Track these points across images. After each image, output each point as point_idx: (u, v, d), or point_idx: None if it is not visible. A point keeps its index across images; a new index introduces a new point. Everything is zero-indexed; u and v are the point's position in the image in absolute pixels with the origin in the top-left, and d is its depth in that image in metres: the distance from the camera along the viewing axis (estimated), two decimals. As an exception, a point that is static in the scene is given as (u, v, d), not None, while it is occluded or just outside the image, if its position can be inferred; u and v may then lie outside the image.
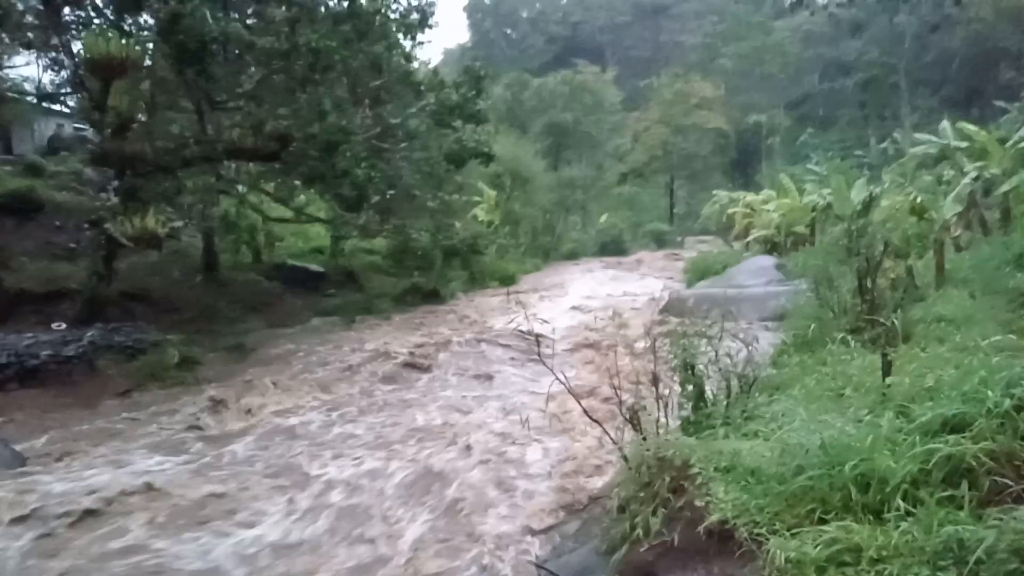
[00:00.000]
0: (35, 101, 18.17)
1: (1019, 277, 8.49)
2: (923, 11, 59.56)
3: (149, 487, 6.92)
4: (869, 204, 16.43)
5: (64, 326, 11.81)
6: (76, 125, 22.77)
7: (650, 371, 5.60)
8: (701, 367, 5.80)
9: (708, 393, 5.85)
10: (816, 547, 3.18)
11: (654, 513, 4.27)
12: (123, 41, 11.51)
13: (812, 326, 8.20)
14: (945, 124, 16.83)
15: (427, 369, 12.19)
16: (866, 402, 4.61)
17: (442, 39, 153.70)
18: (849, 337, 6.93)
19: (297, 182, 16.00)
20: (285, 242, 21.34)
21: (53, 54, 14.82)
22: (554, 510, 6.11)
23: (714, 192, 40.24)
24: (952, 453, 3.50)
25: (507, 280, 25.06)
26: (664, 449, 4.61)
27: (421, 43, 16.38)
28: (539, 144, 43.42)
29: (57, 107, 20.00)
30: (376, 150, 14.55)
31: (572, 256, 37.92)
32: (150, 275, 15.10)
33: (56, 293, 12.98)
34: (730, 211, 32.56)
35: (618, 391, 5.44)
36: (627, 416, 5.29)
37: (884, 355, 4.99)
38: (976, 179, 13.45)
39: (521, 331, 12.59)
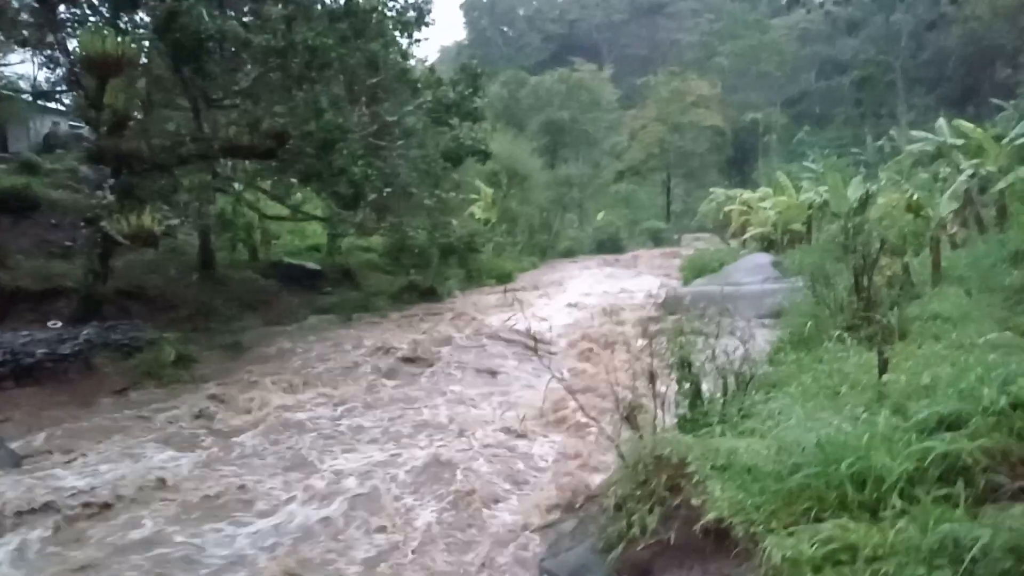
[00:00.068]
0: (31, 99, 18.15)
1: (1015, 274, 8.52)
2: (919, 9, 59.66)
3: (162, 482, 6.99)
4: (865, 202, 16.42)
5: (60, 324, 11.76)
6: (72, 123, 22.72)
7: (647, 369, 5.60)
8: (698, 365, 5.81)
9: (705, 391, 5.86)
10: (812, 545, 3.19)
11: (651, 511, 4.27)
12: (119, 39, 11.49)
13: (808, 323, 8.21)
14: (941, 122, 16.84)
15: (429, 364, 12.20)
16: (862, 400, 4.62)
17: (439, 37, 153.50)
18: (845, 334, 6.94)
19: (294, 180, 15.98)
20: (281, 240, 21.30)
21: (49, 52, 14.76)
22: (553, 507, 6.14)
23: (711, 190, 40.24)
24: (948, 451, 3.51)
25: (504, 278, 25.02)
26: (661, 447, 4.62)
27: (418, 41, 16.32)
28: (536, 142, 43.40)
29: (53, 105, 19.95)
30: (373, 148, 14.53)
31: (569, 254, 37.91)
32: (146, 273, 15.06)
33: (52, 291, 12.93)
34: (727, 209, 32.56)
35: (615, 389, 5.45)
36: (624, 414, 5.30)
37: (880, 352, 5.00)
38: (972, 176, 13.45)
39: (519, 329, 12.63)
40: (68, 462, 7.68)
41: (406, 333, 14.64)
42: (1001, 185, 12.91)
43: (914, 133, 19.82)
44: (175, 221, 13.29)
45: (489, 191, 32.15)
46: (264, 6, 13.83)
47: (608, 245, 40.71)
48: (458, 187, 20.12)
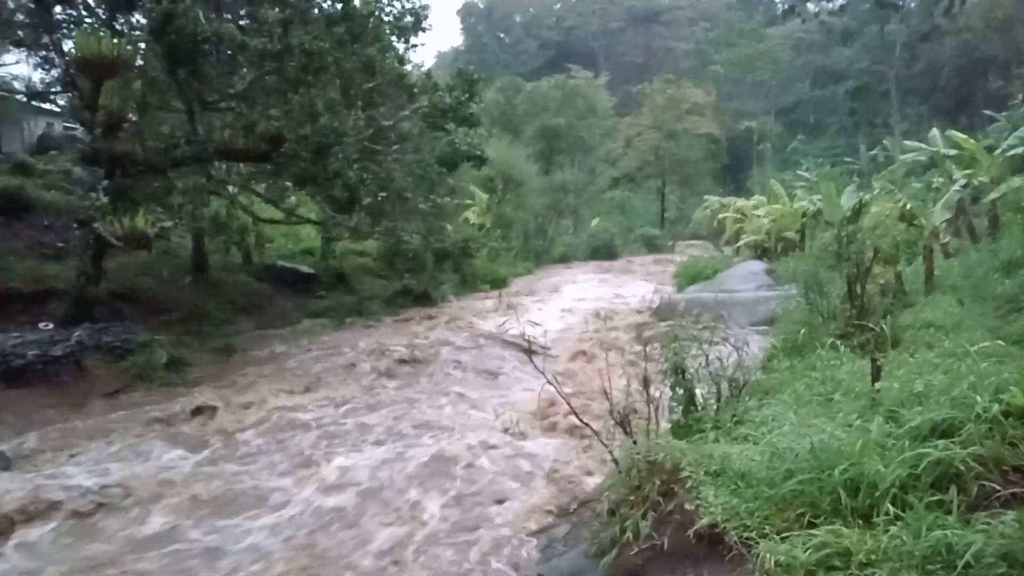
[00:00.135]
0: (25, 99, 18.06)
1: (1007, 284, 8.54)
2: (913, 20, 60.17)
3: (165, 481, 7.05)
4: (859, 210, 16.51)
5: (52, 326, 11.69)
6: (66, 124, 22.68)
7: (641, 374, 5.60)
8: (691, 371, 5.81)
9: (698, 397, 5.86)
10: (806, 551, 3.20)
11: (644, 516, 4.26)
12: (115, 40, 11.44)
13: (802, 331, 8.24)
14: (935, 132, 16.96)
15: (425, 367, 12.24)
16: (855, 407, 4.64)
17: (435, 42, 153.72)
18: (839, 342, 6.96)
19: (288, 183, 15.93)
20: (275, 243, 21.26)
21: (44, 52, 14.72)
22: (546, 511, 6.14)
23: (705, 197, 40.44)
24: (941, 458, 3.52)
25: (498, 283, 25.02)
26: (654, 452, 4.62)
27: (414, 46, 16.32)
28: (531, 148, 43.49)
29: (47, 106, 19.90)
30: (368, 152, 14.52)
31: (563, 260, 37.96)
32: (139, 275, 15.00)
33: (44, 293, 12.86)
34: (721, 216, 32.72)
35: (609, 394, 5.44)
36: (617, 419, 5.29)
37: (874, 360, 5.01)
38: (965, 186, 13.55)
39: (514, 334, 12.62)
40: (65, 460, 7.70)
41: (401, 337, 14.62)
42: (993, 195, 12.99)
43: (907, 143, 19.93)
44: (169, 223, 13.23)
45: (484, 196, 32.17)
46: (260, 9, 13.83)
47: (603, 251, 40.82)
48: (453, 192, 20.11)
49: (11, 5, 13.77)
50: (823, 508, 3.54)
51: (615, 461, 5.17)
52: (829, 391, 5.37)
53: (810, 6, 66.61)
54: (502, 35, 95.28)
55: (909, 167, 18.14)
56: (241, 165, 15.26)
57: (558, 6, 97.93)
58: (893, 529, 3.19)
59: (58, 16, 14.14)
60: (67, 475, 7.18)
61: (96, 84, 11.83)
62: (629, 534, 4.27)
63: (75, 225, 13.02)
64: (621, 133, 62.63)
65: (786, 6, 73.24)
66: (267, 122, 12.87)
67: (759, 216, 25.49)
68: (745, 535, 3.52)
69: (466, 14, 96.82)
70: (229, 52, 12.96)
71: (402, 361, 12.36)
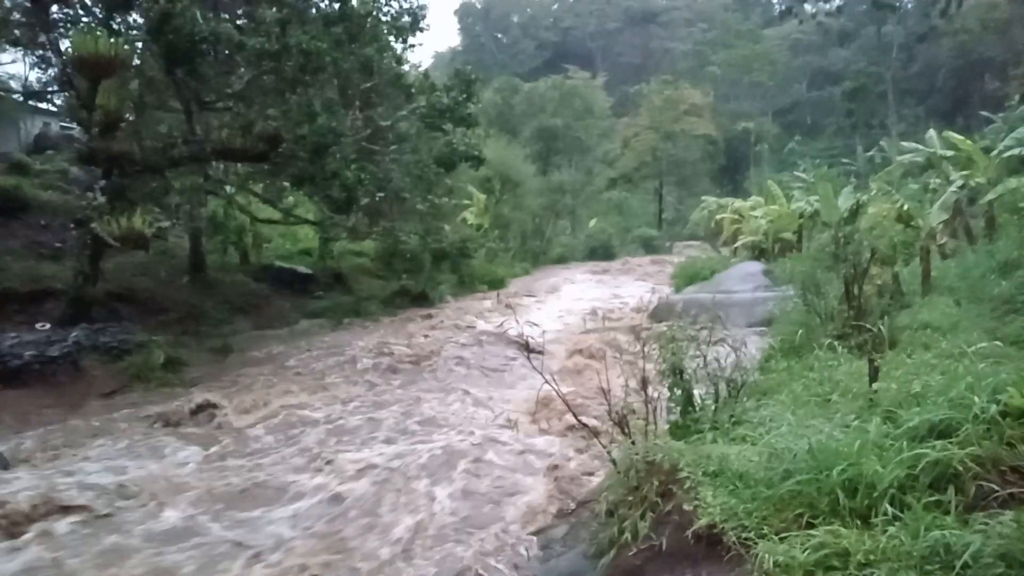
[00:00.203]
0: (22, 99, 18.02)
1: (1004, 285, 8.56)
2: (910, 22, 60.29)
3: (182, 477, 7.12)
4: (856, 211, 16.54)
5: (49, 326, 11.68)
6: (63, 123, 22.62)
7: (639, 375, 5.60)
8: (689, 372, 5.81)
9: (696, 397, 5.86)
10: (804, 551, 3.19)
11: (642, 517, 4.26)
12: (112, 40, 11.43)
13: (799, 332, 8.25)
14: (931, 133, 16.97)
15: (421, 367, 12.22)
16: (853, 407, 4.64)
17: (433, 42, 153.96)
18: (836, 343, 6.95)
19: (286, 183, 15.92)
20: (273, 243, 21.24)
21: (41, 52, 14.71)
22: (544, 512, 6.14)
23: (702, 198, 40.45)
24: (939, 458, 3.52)
25: (496, 284, 25.04)
26: (652, 453, 4.61)
27: (412, 46, 16.30)
28: (529, 148, 43.51)
29: (44, 105, 19.87)
30: (366, 152, 14.51)
31: (561, 260, 38.00)
32: (136, 275, 14.98)
33: (41, 293, 12.84)
34: (718, 217, 32.73)
35: (607, 395, 5.44)
36: (615, 420, 5.29)
37: (871, 361, 5.01)
38: (962, 188, 13.56)
39: (512, 334, 12.62)
40: (71, 458, 7.70)
41: (400, 337, 14.62)
42: (990, 196, 13.01)
43: (904, 144, 19.95)
44: (166, 223, 13.21)
45: (482, 197, 32.18)
46: (258, 9, 13.82)
47: (600, 252, 40.85)
48: (451, 192, 20.13)
49: (7, 4, 13.75)
50: (821, 508, 3.54)
51: (613, 462, 5.17)
52: (827, 392, 5.36)
53: (807, 7, 66.63)
54: (499, 35, 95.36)
55: (906, 168, 18.16)
56: (239, 165, 15.25)
57: (555, 7, 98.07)
58: (891, 529, 3.19)
59: (55, 15, 14.12)
60: (84, 471, 7.22)
61: (93, 83, 11.82)
62: (627, 535, 4.26)
63: (72, 225, 13.00)
64: (618, 134, 62.70)
65: (783, 7, 73.44)
66: (265, 122, 12.86)
67: (756, 217, 25.50)
68: (743, 535, 3.52)
69: (463, 14, 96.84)
70: (227, 52, 12.96)
71: (404, 360, 12.36)
